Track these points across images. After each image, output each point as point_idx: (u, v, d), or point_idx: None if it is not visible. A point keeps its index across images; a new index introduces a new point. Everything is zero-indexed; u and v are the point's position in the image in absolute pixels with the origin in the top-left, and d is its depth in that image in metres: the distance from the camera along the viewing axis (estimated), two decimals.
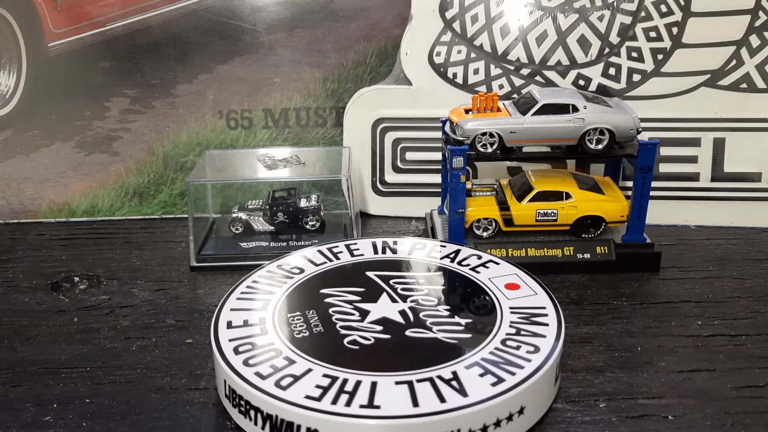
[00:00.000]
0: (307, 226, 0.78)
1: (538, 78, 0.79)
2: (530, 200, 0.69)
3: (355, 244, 0.65)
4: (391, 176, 0.83)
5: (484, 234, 0.71)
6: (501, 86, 0.80)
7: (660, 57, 0.78)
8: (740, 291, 0.65)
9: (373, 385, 0.46)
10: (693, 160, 0.79)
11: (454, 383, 0.46)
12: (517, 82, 0.80)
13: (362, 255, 0.63)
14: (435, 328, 0.52)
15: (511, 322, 0.52)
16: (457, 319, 0.53)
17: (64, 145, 0.84)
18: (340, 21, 0.84)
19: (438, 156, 0.78)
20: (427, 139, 0.81)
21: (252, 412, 0.46)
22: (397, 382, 0.46)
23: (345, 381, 0.46)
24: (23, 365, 0.56)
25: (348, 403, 0.44)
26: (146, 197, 0.85)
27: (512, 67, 0.79)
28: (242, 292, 0.57)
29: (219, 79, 0.84)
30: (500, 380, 0.46)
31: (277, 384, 0.46)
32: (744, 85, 0.78)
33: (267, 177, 0.76)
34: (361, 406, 0.44)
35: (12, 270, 0.73)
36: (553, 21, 0.78)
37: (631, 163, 0.69)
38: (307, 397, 0.44)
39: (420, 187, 0.83)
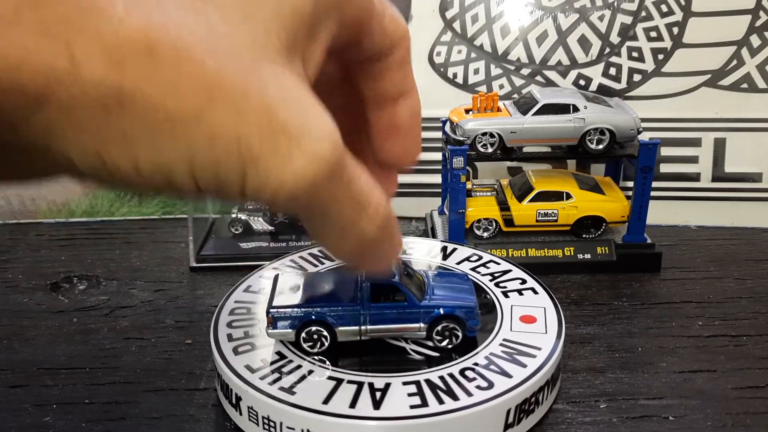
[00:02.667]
0: None
1: (538, 78, 0.79)
2: (531, 200, 0.69)
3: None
4: None
5: (485, 234, 0.70)
6: (501, 86, 0.80)
7: (660, 57, 0.78)
8: (741, 291, 0.65)
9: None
10: (693, 160, 0.79)
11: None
12: (518, 82, 0.80)
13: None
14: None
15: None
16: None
17: None
18: None
19: (438, 156, 0.77)
20: (427, 139, 0.81)
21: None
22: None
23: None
24: (23, 365, 0.56)
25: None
26: (146, 197, 0.85)
27: (512, 67, 0.79)
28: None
29: None
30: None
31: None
32: (745, 85, 0.78)
33: None
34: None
35: (12, 270, 0.72)
36: (553, 21, 0.78)
37: (631, 163, 0.69)
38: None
39: (420, 187, 0.83)
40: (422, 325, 0.49)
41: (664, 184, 0.79)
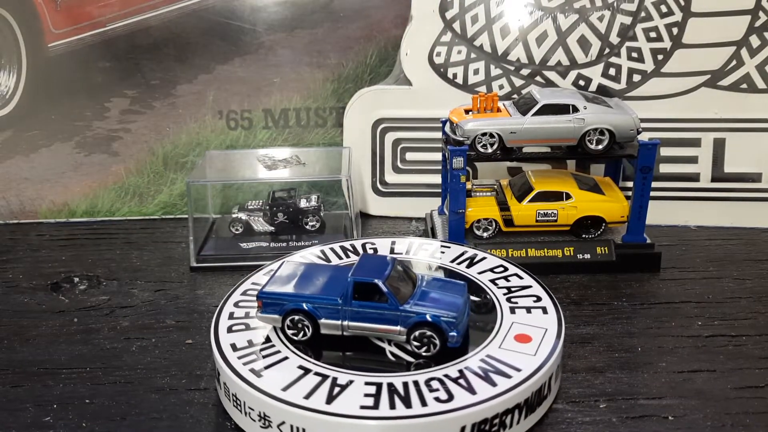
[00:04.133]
0: (307, 227, 0.78)
1: (538, 78, 0.79)
2: (530, 200, 0.69)
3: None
4: (391, 176, 0.83)
5: (484, 234, 0.71)
6: (501, 86, 0.80)
7: (660, 57, 0.78)
8: (740, 291, 0.65)
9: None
10: (693, 160, 0.79)
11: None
12: (517, 82, 0.80)
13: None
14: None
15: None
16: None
17: (64, 146, 0.84)
18: (340, 21, 0.84)
19: (438, 156, 0.78)
20: (427, 140, 0.81)
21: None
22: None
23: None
24: (23, 365, 0.56)
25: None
26: (146, 197, 0.85)
27: (512, 68, 0.79)
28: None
29: (219, 80, 0.84)
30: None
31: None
32: (744, 86, 0.78)
33: (267, 177, 0.76)
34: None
35: (12, 270, 0.73)
36: (553, 21, 0.78)
37: (631, 164, 0.69)
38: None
39: (420, 188, 0.83)
40: (401, 328, 0.49)
41: (664, 184, 0.79)
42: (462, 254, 0.63)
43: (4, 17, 0.81)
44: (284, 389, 0.45)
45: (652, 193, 0.68)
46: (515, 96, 0.79)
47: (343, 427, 0.43)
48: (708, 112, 0.78)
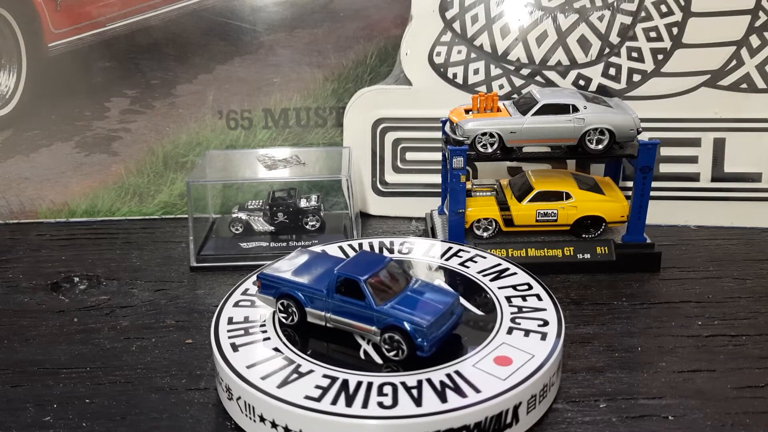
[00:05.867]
0: (307, 227, 0.78)
1: (538, 78, 0.79)
2: (530, 200, 0.69)
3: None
4: (391, 176, 0.83)
5: (484, 234, 0.71)
6: (501, 86, 0.80)
7: (660, 57, 0.78)
8: (740, 291, 0.65)
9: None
10: (693, 160, 0.79)
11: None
12: (517, 82, 0.80)
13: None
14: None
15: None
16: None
17: (64, 145, 0.84)
18: (340, 21, 0.84)
19: (438, 156, 0.78)
20: (427, 139, 0.81)
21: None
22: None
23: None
24: (23, 365, 0.56)
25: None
26: (146, 197, 0.85)
27: (512, 67, 0.79)
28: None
29: (219, 79, 0.84)
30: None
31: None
32: (744, 86, 0.78)
33: (267, 177, 0.76)
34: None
35: (12, 270, 0.73)
36: (553, 21, 0.78)
37: (631, 164, 0.69)
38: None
39: (420, 187, 0.83)
40: (376, 329, 0.49)
41: (664, 184, 0.79)
42: (494, 265, 0.61)
43: (4, 17, 0.81)
44: (249, 367, 0.47)
45: (652, 193, 0.68)
46: (515, 96, 0.79)
47: (286, 412, 0.44)
48: (708, 112, 0.78)
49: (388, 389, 0.45)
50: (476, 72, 0.80)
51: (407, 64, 0.80)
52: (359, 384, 0.46)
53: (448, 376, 0.46)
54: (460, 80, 0.80)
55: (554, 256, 0.69)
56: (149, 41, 0.83)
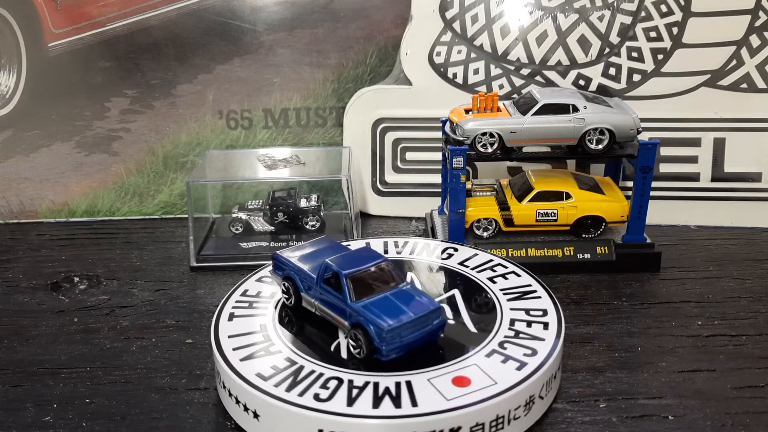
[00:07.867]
0: (307, 227, 0.78)
1: (538, 78, 0.79)
2: (530, 200, 0.69)
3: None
4: (391, 176, 0.83)
5: (484, 234, 0.71)
6: (501, 86, 0.80)
7: (660, 57, 0.78)
8: (740, 291, 0.65)
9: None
10: (693, 160, 0.79)
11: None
12: (517, 82, 0.80)
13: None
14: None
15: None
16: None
17: (64, 145, 0.84)
18: (340, 21, 0.84)
19: (438, 156, 0.78)
20: (427, 139, 0.81)
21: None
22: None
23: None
24: (23, 365, 0.56)
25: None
26: (146, 197, 0.85)
27: (512, 67, 0.79)
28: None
29: (219, 79, 0.84)
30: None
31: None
32: (744, 85, 0.78)
33: (267, 177, 0.76)
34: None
35: (12, 270, 0.73)
36: (553, 21, 0.78)
37: (631, 163, 0.69)
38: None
39: (420, 187, 0.83)
40: (347, 324, 0.50)
41: (664, 184, 0.79)
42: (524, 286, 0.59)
43: (4, 17, 0.81)
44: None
45: (652, 193, 0.68)
46: (515, 96, 0.79)
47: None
48: (708, 112, 0.78)
49: (332, 383, 0.46)
50: (476, 72, 0.80)
51: (407, 64, 0.80)
52: (311, 373, 0.47)
53: (398, 384, 0.45)
54: (460, 80, 0.80)
55: (554, 256, 0.69)
56: (149, 41, 0.83)
